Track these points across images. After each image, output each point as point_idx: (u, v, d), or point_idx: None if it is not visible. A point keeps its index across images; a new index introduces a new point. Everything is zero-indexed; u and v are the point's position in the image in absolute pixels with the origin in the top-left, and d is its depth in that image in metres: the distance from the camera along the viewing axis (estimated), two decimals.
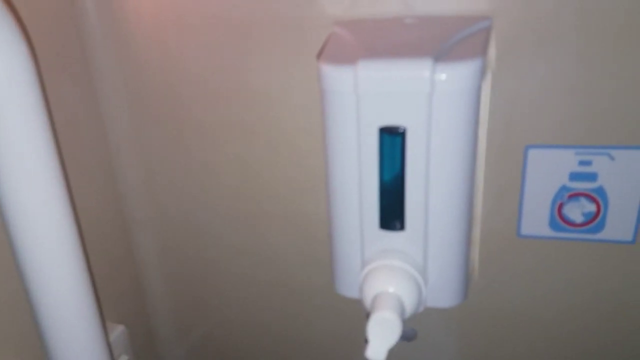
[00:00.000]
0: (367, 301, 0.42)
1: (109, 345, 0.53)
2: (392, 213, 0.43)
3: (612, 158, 0.49)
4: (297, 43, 0.51)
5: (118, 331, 0.64)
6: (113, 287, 0.65)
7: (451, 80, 0.37)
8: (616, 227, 0.52)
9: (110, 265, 0.64)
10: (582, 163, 0.50)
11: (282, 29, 0.51)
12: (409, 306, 0.41)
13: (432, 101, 0.38)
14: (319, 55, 0.42)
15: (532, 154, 0.51)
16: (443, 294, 0.45)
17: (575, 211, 0.52)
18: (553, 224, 0.53)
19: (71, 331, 0.48)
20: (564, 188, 0.51)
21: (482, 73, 0.39)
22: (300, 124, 0.55)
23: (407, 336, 0.64)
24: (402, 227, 0.43)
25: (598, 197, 0.51)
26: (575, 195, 0.51)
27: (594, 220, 0.52)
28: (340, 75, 0.39)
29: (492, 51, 0.47)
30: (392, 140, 0.40)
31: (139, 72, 0.58)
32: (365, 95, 0.39)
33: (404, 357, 0.65)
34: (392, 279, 0.41)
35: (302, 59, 0.51)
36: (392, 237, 0.44)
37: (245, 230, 0.63)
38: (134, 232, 0.67)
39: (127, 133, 0.62)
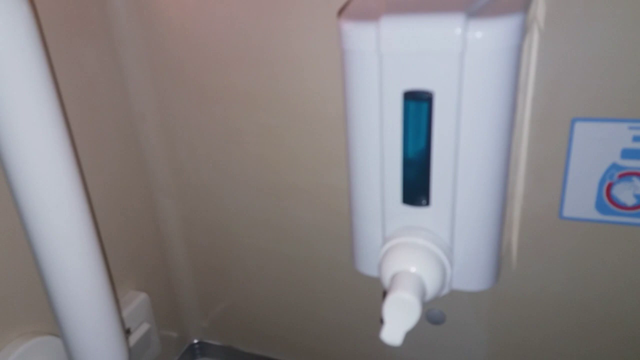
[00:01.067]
0: (386, 280, 0.39)
1: (119, 313, 0.52)
2: (416, 187, 0.39)
3: None
4: (320, 3, 0.47)
5: (140, 299, 0.63)
6: (137, 255, 0.64)
7: (486, 38, 0.33)
8: None
9: (134, 233, 0.64)
10: (636, 139, 0.45)
11: None
12: (431, 288, 0.38)
13: (464, 62, 0.34)
14: (340, 12, 0.39)
15: (579, 127, 0.46)
16: (471, 276, 0.41)
17: (627, 192, 0.47)
18: (600, 206, 0.48)
19: (79, 299, 0.47)
20: (614, 166, 0.46)
21: (523, 32, 0.34)
22: (327, 92, 0.51)
23: (435, 319, 0.60)
24: (427, 202, 0.40)
25: None
26: (627, 175, 0.46)
27: None
28: (361, 33, 0.36)
29: (540, 9, 0.42)
30: (417, 107, 0.36)
31: (161, 39, 0.56)
32: (388, 56, 0.35)
33: (430, 340, 0.62)
34: (414, 257, 0.38)
35: (327, 21, 0.48)
36: (416, 213, 0.40)
37: (268, 202, 0.61)
38: (158, 200, 0.66)
39: (151, 101, 0.60)
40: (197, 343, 0.78)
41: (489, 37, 0.33)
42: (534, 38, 0.43)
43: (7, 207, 0.46)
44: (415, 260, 0.38)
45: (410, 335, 0.60)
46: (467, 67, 0.34)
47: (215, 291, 0.72)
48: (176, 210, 0.67)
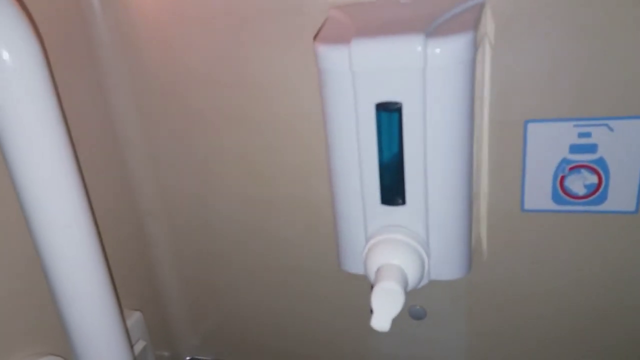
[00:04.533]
0: (371, 274, 0.43)
1: (126, 330, 0.55)
2: (392, 188, 0.44)
3: (611, 129, 0.50)
4: (295, 30, 0.52)
5: (135, 317, 0.66)
6: (128, 276, 0.67)
7: (443, 54, 0.38)
8: (619, 198, 0.52)
9: (125, 255, 0.66)
10: (581, 135, 0.51)
11: (281, 16, 0.52)
12: (412, 277, 0.42)
13: (426, 76, 0.39)
14: (315, 37, 0.44)
15: (532, 128, 0.51)
16: (446, 266, 0.46)
17: (577, 183, 0.52)
18: (556, 197, 0.54)
19: (91, 316, 0.50)
20: (564, 161, 0.52)
21: (475, 47, 0.40)
22: (302, 109, 0.56)
23: (417, 315, 0.65)
24: (403, 202, 0.44)
25: (599, 169, 0.51)
26: (576, 168, 0.52)
27: (596, 192, 0.52)
28: (335, 54, 0.40)
29: (490, 26, 0.48)
30: (388, 116, 0.41)
31: (143, 67, 0.60)
32: (360, 73, 0.40)
33: (414, 335, 0.66)
34: (395, 251, 0.43)
35: (301, 45, 0.52)
36: (393, 212, 0.45)
37: (253, 215, 0.64)
38: (146, 222, 0.69)
39: (135, 126, 0.64)
40: None
41: (446, 53, 0.38)
42: (487, 51, 0.49)
43: (15, 233, 0.48)
44: (396, 254, 0.43)
45: (395, 332, 0.65)
46: (428, 79, 0.39)
47: (206, 308, 0.74)
48: (164, 231, 0.70)
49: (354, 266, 0.49)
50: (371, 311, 0.41)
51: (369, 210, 0.45)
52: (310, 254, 0.64)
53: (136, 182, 0.67)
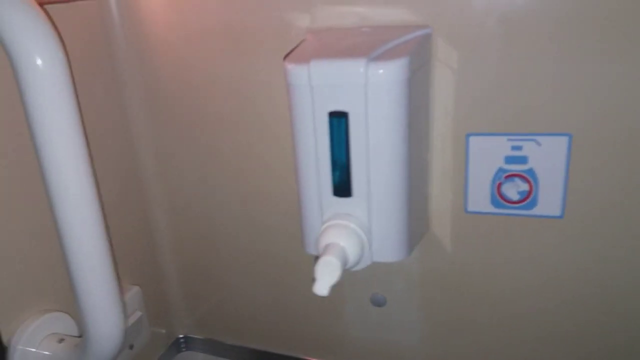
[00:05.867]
0: (320, 252, 0.53)
1: (122, 295, 0.64)
2: (342, 183, 0.53)
3: (538, 144, 0.58)
4: (279, 48, 0.62)
5: (134, 291, 0.76)
6: (131, 255, 0.77)
7: (381, 75, 0.48)
8: (547, 204, 0.60)
9: (130, 237, 0.77)
10: (514, 148, 0.59)
11: (267, 37, 0.63)
12: (352, 255, 0.51)
13: (367, 91, 0.49)
14: (286, 56, 0.54)
15: (473, 140, 0.60)
16: (387, 249, 0.55)
17: (512, 190, 0.61)
18: (494, 202, 0.62)
19: (94, 279, 0.59)
20: (501, 170, 0.60)
21: (409, 69, 0.49)
22: (282, 116, 0.66)
23: (378, 302, 0.73)
24: (350, 194, 0.53)
25: (530, 178, 0.60)
26: (510, 176, 0.60)
27: (528, 198, 0.61)
28: (298, 72, 0.50)
29: (441, 52, 0.57)
30: (338, 122, 0.51)
31: (156, 77, 0.71)
32: (317, 87, 0.50)
33: (376, 321, 0.74)
34: (339, 234, 0.52)
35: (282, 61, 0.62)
36: (343, 203, 0.54)
37: (240, 207, 0.74)
38: (150, 209, 0.80)
39: (145, 126, 0.75)
40: (182, 337, 0.89)
41: (383, 73, 0.48)
42: (435, 73, 0.58)
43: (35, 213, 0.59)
44: (340, 236, 0.52)
45: (358, 317, 0.73)
46: (369, 94, 0.49)
47: (200, 289, 0.84)
48: (166, 218, 0.80)
49: (314, 248, 0.58)
50: (313, 279, 0.50)
51: (324, 201, 0.55)
52: (296, 244, 0.73)
53: (143, 173, 0.78)
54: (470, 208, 0.63)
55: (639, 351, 0.63)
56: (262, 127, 0.68)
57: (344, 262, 0.50)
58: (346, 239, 0.51)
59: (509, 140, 0.59)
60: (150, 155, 0.77)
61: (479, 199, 0.63)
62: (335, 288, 0.48)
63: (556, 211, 0.60)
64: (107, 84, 0.70)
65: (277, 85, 0.64)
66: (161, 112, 0.73)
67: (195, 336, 0.89)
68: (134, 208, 0.77)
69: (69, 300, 0.63)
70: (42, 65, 0.44)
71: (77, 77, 0.62)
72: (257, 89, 0.66)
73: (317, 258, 0.51)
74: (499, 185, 0.61)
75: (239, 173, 0.72)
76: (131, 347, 0.75)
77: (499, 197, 0.62)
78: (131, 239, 0.77)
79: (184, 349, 0.89)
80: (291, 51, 0.56)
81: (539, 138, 0.58)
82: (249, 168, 0.71)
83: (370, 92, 0.49)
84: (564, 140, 0.57)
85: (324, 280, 0.49)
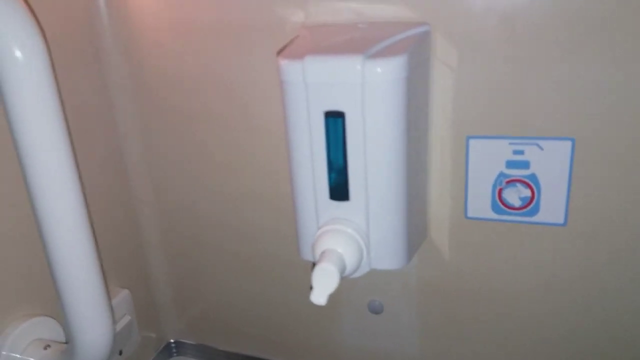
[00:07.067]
0: (317, 258, 0.50)
1: (109, 298, 0.62)
2: (339, 186, 0.51)
3: (541, 148, 0.56)
4: (272, 44, 0.60)
5: (123, 294, 0.74)
6: (120, 257, 0.75)
7: (378, 72, 0.46)
8: (550, 211, 0.58)
9: (118, 239, 0.75)
10: (516, 152, 0.57)
11: (260, 32, 0.61)
12: (350, 262, 0.49)
13: (364, 90, 0.47)
14: (279, 52, 0.52)
15: (473, 143, 0.58)
16: (385, 256, 0.53)
17: (513, 195, 0.59)
18: (495, 207, 0.60)
19: (79, 282, 0.57)
20: (502, 174, 0.58)
21: (407, 68, 0.47)
22: (275, 114, 0.64)
23: (375, 309, 0.71)
24: (347, 198, 0.51)
25: (532, 183, 0.58)
26: (512, 182, 0.58)
27: (530, 204, 0.59)
28: (292, 68, 0.48)
29: (440, 50, 0.55)
30: (335, 123, 0.49)
31: (143, 69, 0.69)
32: (312, 84, 0.48)
33: (372, 328, 0.72)
34: (335, 239, 0.50)
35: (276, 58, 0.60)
36: (340, 207, 0.52)
37: (235, 207, 0.72)
38: (138, 209, 0.78)
39: (133, 122, 0.73)
40: (173, 342, 0.87)
41: (381, 71, 0.46)
42: (434, 72, 0.56)
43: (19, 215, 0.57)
44: (337, 242, 0.50)
45: (355, 324, 0.71)
46: (366, 93, 0.47)
47: (192, 292, 0.82)
48: (155, 219, 0.78)
49: (309, 254, 0.56)
50: (311, 288, 0.48)
51: (320, 205, 0.53)
52: (287, 245, 0.71)
53: (132, 173, 0.76)
54: (470, 214, 0.61)
55: None
56: (254, 125, 0.66)
57: (342, 269, 0.48)
58: (344, 245, 0.50)
59: (510, 143, 0.57)
60: (139, 155, 0.75)
61: (479, 205, 0.61)
62: (331, 294, 0.46)
63: (559, 218, 0.58)
64: (93, 78, 0.68)
65: (270, 82, 0.62)
66: (150, 109, 0.71)
67: (187, 341, 0.87)
68: (122, 209, 0.75)
69: (55, 304, 0.60)
70: (22, 58, 0.42)
71: (60, 71, 0.60)
72: (249, 85, 0.64)
73: (313, 264, 0.49)
74: (500, 190, 0.59)
75: (231, 174, 0.70)
76: (120, 352, 0.73)
77: (500, 203, 0.60)
78: (119, 241, 0.75)
79: (175, 354, 0.87)
80: (285, 47, 0.54)
81: (541, 142, 0.56)
82: (241, 169, 0.69)
83: (368, 90, 0.47)
84: (567, 144, 0.55)
85: (321, 288, 0.47)
